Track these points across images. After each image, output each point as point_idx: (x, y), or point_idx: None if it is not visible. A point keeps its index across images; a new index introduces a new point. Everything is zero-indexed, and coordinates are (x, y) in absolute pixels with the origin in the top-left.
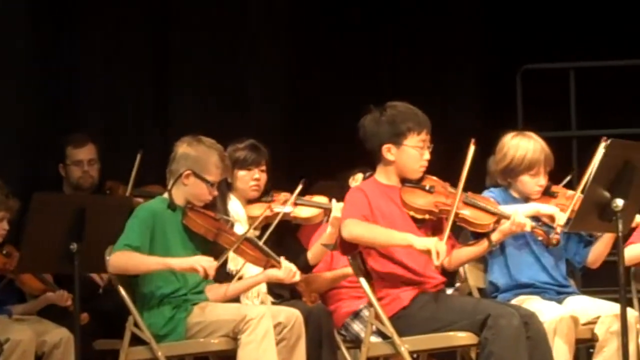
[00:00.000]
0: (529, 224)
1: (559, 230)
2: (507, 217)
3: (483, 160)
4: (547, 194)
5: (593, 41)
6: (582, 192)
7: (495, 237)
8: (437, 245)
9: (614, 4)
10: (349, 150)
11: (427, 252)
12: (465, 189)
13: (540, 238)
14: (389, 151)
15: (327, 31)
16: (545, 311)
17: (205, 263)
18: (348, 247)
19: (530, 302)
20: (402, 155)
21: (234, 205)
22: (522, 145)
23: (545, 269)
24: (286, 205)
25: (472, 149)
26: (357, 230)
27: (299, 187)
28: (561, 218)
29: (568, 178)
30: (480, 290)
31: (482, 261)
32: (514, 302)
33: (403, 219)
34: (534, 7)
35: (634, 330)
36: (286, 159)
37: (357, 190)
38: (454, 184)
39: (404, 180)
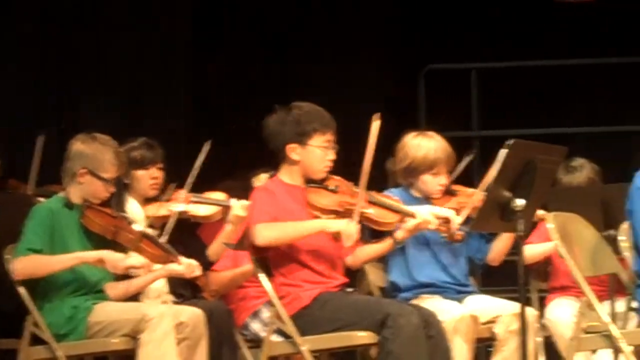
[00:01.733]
0: (434, 221)
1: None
2: (411, 215)
3: (386, 159)
4: (448, 193)
5: (495, 42)
6: (483, 190)
7: (399, 235)
8: (348, 227)
9: (516, 5)
10: (255, 149)
11: (338, 234)
12: (368, 190)
13: (444, 235)
14: (293, 151)
15: (233, 30)
16: (445, 310)
17: (114, 256)
18: (260, 249)
19: (431, 302)
20: (307, 156)
21: (132, 206)
22: (424, 145)
23: (445, 268)
24: (181, 204)
25: (376, 124)
26: (270, 234)
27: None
28: (456, 220)
29: (468, 159)
30: (380, 289)
31: (383, 260)
32: (414, 301)
33: (307, 218)
34: (437, 8)
35: (533, 329)
36: (192, 159)
37: (262, 190)
38: (359, 184)
39: (308, 180)
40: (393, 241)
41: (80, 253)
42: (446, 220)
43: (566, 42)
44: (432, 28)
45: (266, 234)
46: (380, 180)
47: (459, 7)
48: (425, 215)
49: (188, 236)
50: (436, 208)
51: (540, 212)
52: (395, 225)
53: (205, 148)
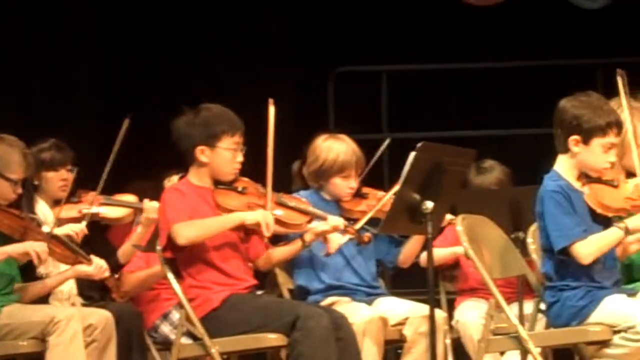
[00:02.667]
0: (342, 223)
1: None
2: (321, 217)
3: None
4: (358, 195)
5: (405, 45)
6: (394, 193)
7: (308, 237)
8: (265, 217)
9: (426, 8)
10: (166, 150)
11: (258, 225)
12: (279, 191)
13: (352, 237)
14: (202, 153)
15: (141, 31)
16: (355, 312)
17: (37, 247)
18: (177, 248)
19: (340, 304)
20: (215, 158)
21: (42, 207)
22: (334, 148)
23: (354, 270)
24: (92, 206)
25: (271, 110)
26: (190, 232)
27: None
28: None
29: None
30: (290, 291)
31: (293, 262)
32: (323, 303)
33: None
34: (346, 10)
35: (442, 331)
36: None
37: (173, 190)
38: (266, 186)
39: (217, 182)
40: (302, 244)
41: (4, 247)
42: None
43: (476, 45)
44: (341, 30)
45: (186, 232)
46: (289, 183)
47: (369, 9)
48: (334, 218)
49: (97, 238)
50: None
51: (448, 217)
52: (304, 226)
53: (124, 126)
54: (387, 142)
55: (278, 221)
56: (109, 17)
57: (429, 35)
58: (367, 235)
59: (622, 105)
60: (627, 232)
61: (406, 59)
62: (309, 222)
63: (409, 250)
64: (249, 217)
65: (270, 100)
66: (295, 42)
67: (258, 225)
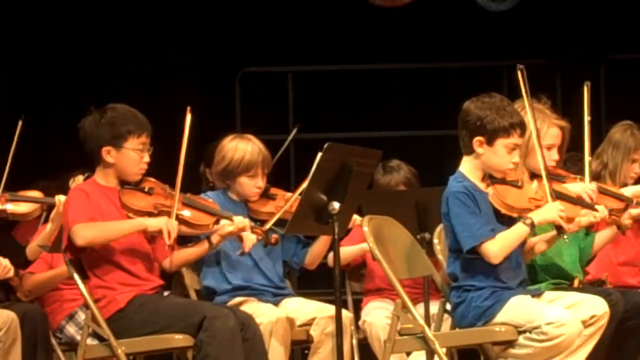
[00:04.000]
0: (248, 224)
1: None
2: (228, 218)
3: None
4: (265, 196)
5: (312, 46)
6: (300, 194)
7: (215, 238)
8: (168, 224)
9: (333, 9)
10: (70, 150)
11: (160, 232)
12: (184, 192)
13: (259, 238)
14: (108, 153)
15: (48, 30)
16: (262, 313)
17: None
18: (77, 249)
19: (247, 304)
20: (122, 158)
21: None
22: (240, 147)
23: (262, 271)
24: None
25: (188, 118)
26: (89, 234)
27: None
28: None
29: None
30: (197, 292)
31: (200, 263)
32: (230, 304)
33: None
34: (253, 11)
35: (349, 331)
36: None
37: (77, 191)
38: (174, 187)
39: (123, 183)
40: (209, 244)
41: None
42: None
43: (382, 46)
44: (247, 31)
45: (85, 233)
46: (197, 183)
47: (276, 9)
48: (241, 219)
49: (2, 236)
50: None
51: (355, 217)
52: (211, 227)
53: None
54: (294, 131)
55: (185, 222)
56: (5, 17)
57: (336, 36)
58: (274, 237)
59: (525, 102)
60: (532, 226)
61: (313, 60)
62: (216, 223)
63: (316, 252)
64: (152, 223)
65: (188, 108)
66: (202, 42)
67: (160, 232)
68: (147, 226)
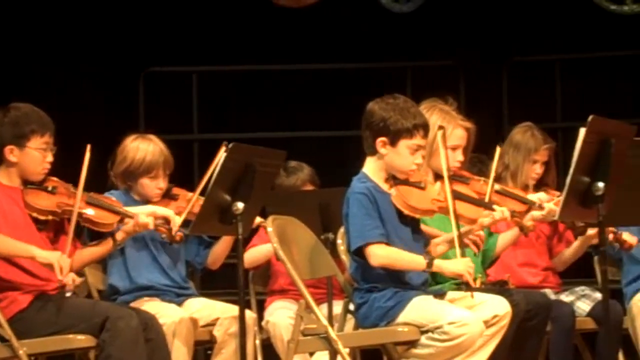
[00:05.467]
0: (152, 222)
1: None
2: (131, 216)
3: (106, 162)
4: (167, 196)
5: (216, 46)
6: (202, 194)
7: (119, 236)
8: (60, 259)
9: (239, 9)
10: None
11: (51, 266)
12: (88, 190)
13: (164, 236)
14: (11, 153)
15: None
16: (165, 313)
17: None
18: None
19: (150, 304)
20: (25, 157)
21: None
22: (142, 148)
23: (164, 271)
24: None
25: (87, 155)
26: None
27: None
28: (176, 220)
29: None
30: (99, 292)
31: (102, 263)
32: (133, 304)
33: (25, 220)
34: (157, 10)
35: (252, 331)
36: None
37: None
38: (77, 186)
39: (27, 182)
40: (113, 243)
41: None
42: (166, 221)
43: (287, 46)
44: (152, 30)
45: None
46: (102, 183)
47: (180, 9)
48: (144, 217)
49: None
50: (156, 207)
51: (258, 220)
52: (115, 225)
53: None
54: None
55: (89, 220)
56: None
57: (241, 36)
58: (179, 235)
59: (432, 108)
60: (429, 266)
61: (217, 60)
62: (120, 221)
63: (218, 252)
64: (43, 256)
65: (89, 146)
66: (106, 41)
67: (51, 266)
68: (37, 257)
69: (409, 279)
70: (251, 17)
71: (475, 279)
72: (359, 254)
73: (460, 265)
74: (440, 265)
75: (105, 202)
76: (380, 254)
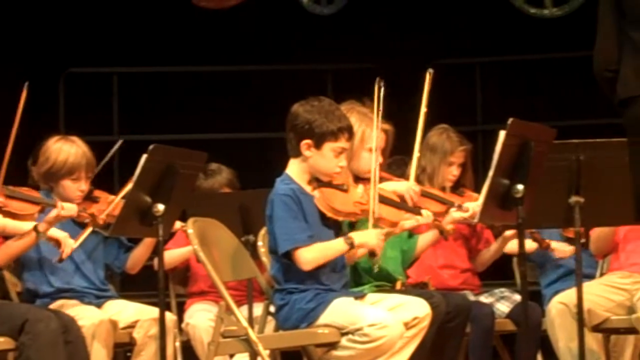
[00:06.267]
0: (76, 210)
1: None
2: (52, 205)
3: (26, 162)
4: (88, 198)
5: (138, 47)
6: (124, 197)
7: (42, 227)
8: None
9: (158, 10)
10: None
11: None
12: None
13: (87, 221)
14: None
15: None
16: (84, 315)
17: None
18: None
19: (69, 307)
20: None
21: None
22: (65, 150)
23: (84, 274)
24: None
25: (8, 149)
26: None
27: None
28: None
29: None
30: (18, 294)
31: (22, 265)
32: (52, 306)
33: None
34: (78, 10)
35: (172, 333)
36: None
37: None
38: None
39: None
40: (36, 234)
41: None
42: (92, 216)
43: (208, 48)
44: (73, 31)
45: None
46: (22, 183)
47: (101, 10)
48: (68, 204)
49: None
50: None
51: (179, 224)
52: (37, 216)
53: None
54: (119, 143)
55: (9, 213)
56: None
57: (162, 37)
58: (101, 218)
59: (353, 110)
60: (352, 246)
61: (139, 61)
62: (41, 211)
63: (138, 255)
64: None
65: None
66: (26, 41)
67: None
68: None
69: (330, 281)
70: (172, 18)
71: (395, 281)
72: (287, 257)
73: (372, 238)
74: (358, 240)
75: (25, 193)
76: (310, 258)
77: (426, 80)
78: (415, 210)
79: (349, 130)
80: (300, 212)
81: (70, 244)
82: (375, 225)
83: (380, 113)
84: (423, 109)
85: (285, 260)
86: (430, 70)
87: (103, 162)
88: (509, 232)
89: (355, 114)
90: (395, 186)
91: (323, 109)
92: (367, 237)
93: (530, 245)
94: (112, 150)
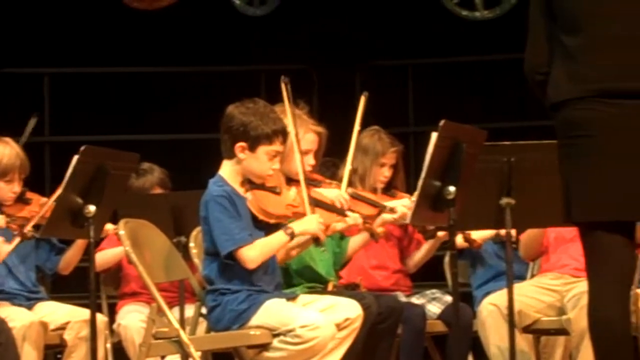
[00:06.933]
0: (3, 220)
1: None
2: None
3: None
4: (20, 200)
5: (68, 47)
6: (55, 200)
7: None
8: None
9: (88, 10)
10: None
11: None
12: None
13: (15, 232)
14: None
15: None
16: (15, 317)
17: None
18: None
19: (0, 309)
20: None
21: None
22: None
23: (15, 277)
24: None
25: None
26: None
27: None
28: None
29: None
30: None
31: None
32: None
33: None
34: (9, 10)
35: (103, 335)
36: None
37: None
38: None
39: None
40: None
41: None
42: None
43: (140, 49)
44: (4, 31)
45: None
46: None
47: (32, 10)
48: None
49: None
50: None
51: (112, 228)
52: None
53: None
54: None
55: None
56: None
57: (93, 38)
58: (29, 230)
59: (286, 111)
60: (293, 236)
61: (70, 62)
62: None
63: (69, 257)
64: None
65: None
66: None
67: None
68: None
69: (262, 283)
70: (104, 19)
71: (327, 282)
72: (230, 257)
73: (313, 223)
74: (299, 229)
75: None
76: (253, 256)
77: (361, 102)
78: (345, 213)
79: (283, 133)
80: (236, 212)
81: (5, 249)
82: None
83: (294, 111)
84: (357, 127)
85: (229, 261)
86: (285, 79)
87: (21, 142)
88: (441, 233)
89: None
90: (326, 193)
91: (258, 112)
92: (307, 224)
93: (460, 242)
94: (28, 128)
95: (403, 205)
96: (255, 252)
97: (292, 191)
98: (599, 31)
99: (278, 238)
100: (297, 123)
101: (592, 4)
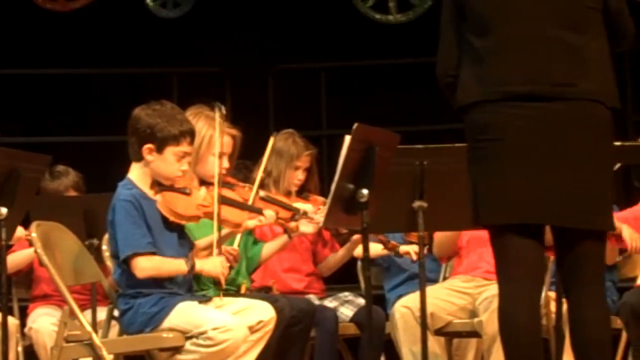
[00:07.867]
0: None
1: None
2: None
3: None
4: None
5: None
6: None
7: None
8: None
9: (2, 12)
10: None
11: None
12: None
13: None
14: None
15: None
16: None
17: None
18: None
19: None
20: None
21: None
22: None
23: None
24: None
25: None
26: None
27: None
28: None
29: None
30: None
31: None
32: None
33: None
34: None
35: (14, 338)
36: None
37: None
38: None
39: None
40: None
41: None
42: None
43: (53, 50)
44: None
45: None
46: None
47: None
48: None
49: None
50: None
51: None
52: None
53: None
54: None
55: None
56: None
57: (7, 39)
58: None
59: (199, 115)
60: (192, 270)
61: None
62: None
63: None
64: None
65: None
66: None
67: None
68: None
69: (175, 285)
70: (17, 20)
71: (240, 285)
72: (127, 262)
73: (217, 266)
74: (201, 267)
75: None
76: (146, 267)
77: (270, 142)
78: (258, 210)
79: (191, 134)
80: (141, 217)
81: None
82: (220, 227)
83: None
84: (260, 173)
85: (124, 266)
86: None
87: None
88: (356, 236)
89: (203, 118)
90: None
91: (165, 113)
92: (211, 266)
93: (376, 249)
94: None
95: (318, 212)
96: (150, 264)
97: (202, 191)
98: (506, 33)
99: (177, 265)
100: (210, 124)
101: (500, 6)
